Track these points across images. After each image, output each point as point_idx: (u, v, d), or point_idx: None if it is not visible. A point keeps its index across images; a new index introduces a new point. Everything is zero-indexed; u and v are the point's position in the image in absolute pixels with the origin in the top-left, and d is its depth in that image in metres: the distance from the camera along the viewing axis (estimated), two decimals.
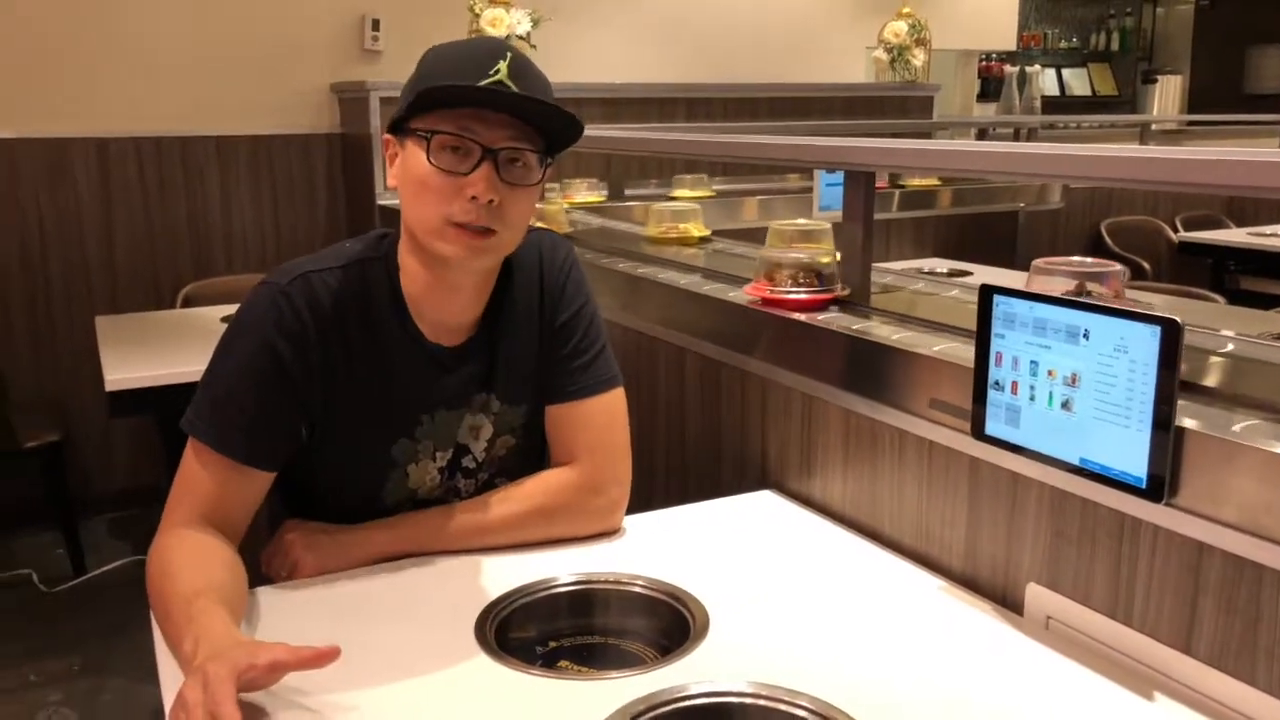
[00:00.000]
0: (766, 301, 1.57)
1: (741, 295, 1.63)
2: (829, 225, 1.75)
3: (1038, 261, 1.27)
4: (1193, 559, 0.97)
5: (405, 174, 1.19)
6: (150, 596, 1.12)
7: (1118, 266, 1.26)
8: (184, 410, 1.22)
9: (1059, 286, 1.21)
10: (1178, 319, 0.95)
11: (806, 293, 1.54)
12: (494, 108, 1.15)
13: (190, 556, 1.13)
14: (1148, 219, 4.88)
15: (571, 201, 2.98)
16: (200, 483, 1.19)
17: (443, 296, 1.27)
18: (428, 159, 1.16)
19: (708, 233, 2.27)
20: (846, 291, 1.55)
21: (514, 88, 1.15)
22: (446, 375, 1.29)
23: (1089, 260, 1.30)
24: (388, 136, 1.22)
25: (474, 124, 1.15)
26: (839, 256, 1.60)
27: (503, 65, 1.14)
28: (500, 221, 1.18)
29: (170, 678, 1.02)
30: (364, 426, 1.27)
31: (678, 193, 3.49)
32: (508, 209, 1.18)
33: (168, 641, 1.07)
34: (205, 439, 1.20)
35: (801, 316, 1.51)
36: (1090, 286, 1.21)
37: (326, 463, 1.29)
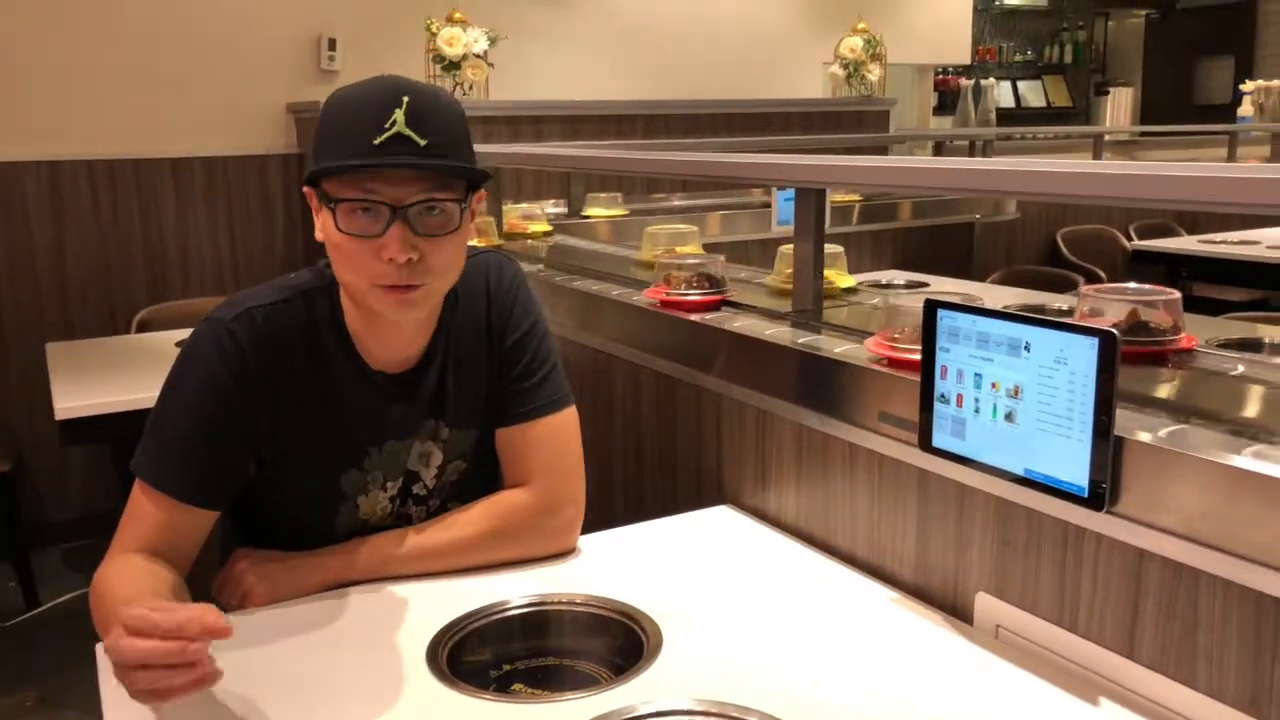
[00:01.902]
0: (665, 303, 1.71)
1: (644, 299, 1.78)
2: (840, 249, 1.87)
3: (1085, 288, 1.25)
4: (1133, 565, 0.99)
5: (324, 234, 1.15)
6: (94, 619, 1.12)
7: (1175, 294, 1.22)
8: (139, 438, 1.22)
9: (1110, 314, 1.20)
10: (1114, 330, 0.97)
11: (700, 294, 1.68)
12: (391, 169, 1.10)
13: (130, 575, 1.13)
14: (1102, 228, 4.96)
15: (527, 230, 2.96)
16: (147, 519, 1.19)
17: (383, 334, 1.26)
18: (338, 228, 1.12)
19: None
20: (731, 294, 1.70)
21: (415, 136, 1.09)
22: (394, 403, 1.29)
23: (1146, 287, 1.27)
24: (307, 189, 1.17)
25: (377, 184, 1.10)
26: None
27: (399, 114, 1.08)
28: (425, 274, 1.14)
29: (115, 714, 1.00)
30: (313, 460, 1.26)
31: (590, 211, 3.48)
32: (431, 260, 1.14)
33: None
34: (152, 481, 1.19)
35: (695, 316, 1.64)
36: (1146, 315, 1.20)
37: (277, 496, 1.28)
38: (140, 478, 1.20)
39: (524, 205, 3.10)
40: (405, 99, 1.10)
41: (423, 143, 1.10)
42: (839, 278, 1.86)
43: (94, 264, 3.68)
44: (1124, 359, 1.17)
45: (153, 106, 3.74)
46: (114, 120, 3.69)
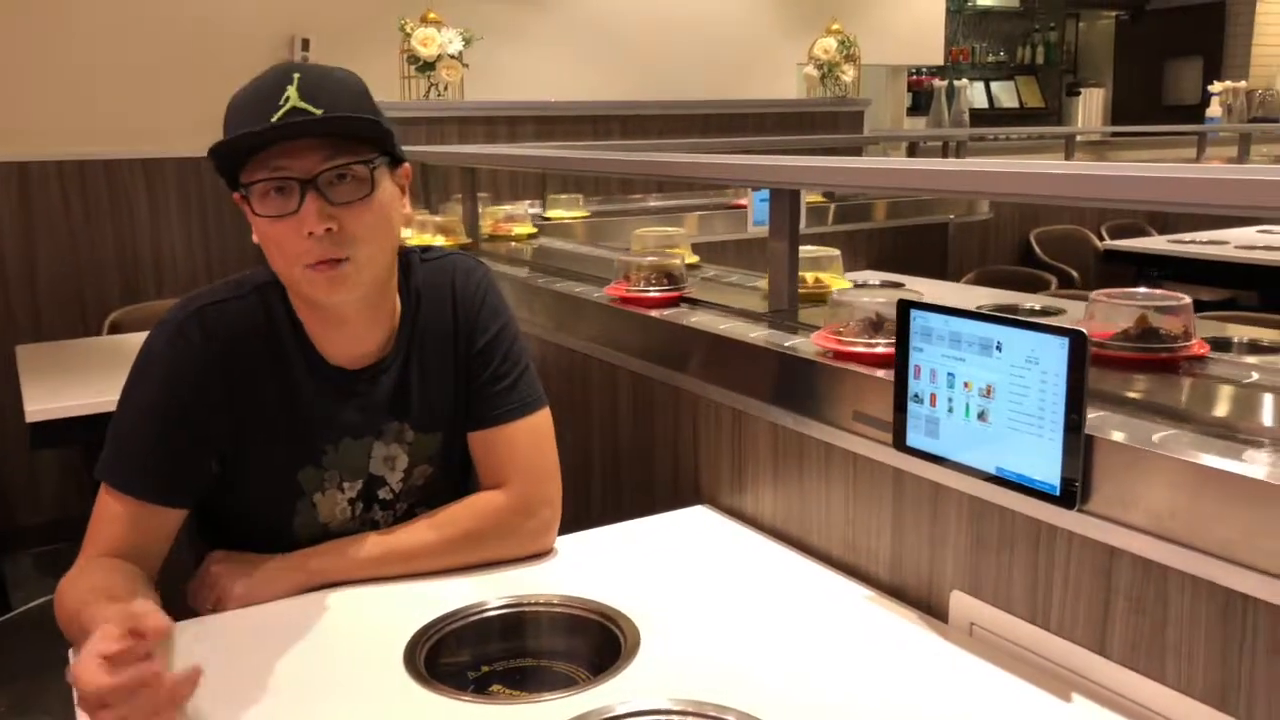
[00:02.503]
0: (624, 300, 1.74)
1: (604, 295, 1.81)
2: (836, 252, 1.87)
3: (1096, 294, 1.24)
4: (1104, 563, 1.00)
5: (255, 231, 1.17)
6: (59, 625, 1.11)
7: (1186, 300, 1.21)
8: None
9: (1119, 320, 1.20)
10: (1084, 330, 0.98)
11: (659, 291, 1.72)
12: (289, 138, 1.11)
13: (93, 575, 1.13)
14: (1075, 228, 5.00)
15: (510, 232, 2.95)
16: (114, 522, 1.19)
17: (332, 327, 1.26)
18: (254, 212, 1.14)
19: (695, 260, 2.23)
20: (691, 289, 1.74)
21: (310, 107, 1.10)
22: (350, 400, 1.28)
23: (1157, 292, 1.25)
24: (236, 196, 1.18)
25: (283, 160, 1.12)
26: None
27: (291, 90, 1.10)
28: (349, 245, 1.15)
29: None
30: (270, 454, 1.26)
31: (551, 212, 3.47)
32: (351, 229, 1.15)
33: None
34: (115, 484, 1.19)
35: (655, 313, 1.67)
36: (1156, 321, 1.20)
37: (235, 491, 1.27)
38: (104, 481, 1.20)
39: (507, 206, 3.08)
40: (296, 76, 1.12)
41: (318, 112, 1.11)
42: (834, 280, 1.86)
43: (65, 265, 3.64)
44: (1132, 365, 1.18)
45: (124, 106, 3.70)
46: (85, 120, 3.65)
